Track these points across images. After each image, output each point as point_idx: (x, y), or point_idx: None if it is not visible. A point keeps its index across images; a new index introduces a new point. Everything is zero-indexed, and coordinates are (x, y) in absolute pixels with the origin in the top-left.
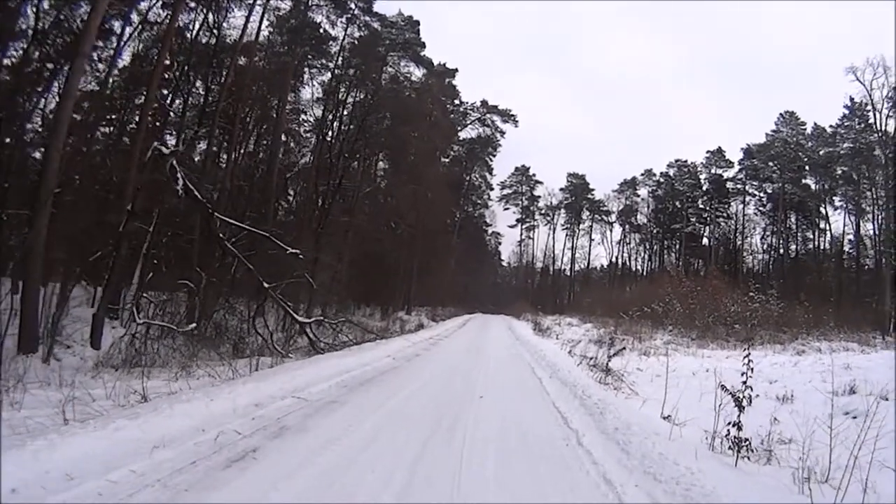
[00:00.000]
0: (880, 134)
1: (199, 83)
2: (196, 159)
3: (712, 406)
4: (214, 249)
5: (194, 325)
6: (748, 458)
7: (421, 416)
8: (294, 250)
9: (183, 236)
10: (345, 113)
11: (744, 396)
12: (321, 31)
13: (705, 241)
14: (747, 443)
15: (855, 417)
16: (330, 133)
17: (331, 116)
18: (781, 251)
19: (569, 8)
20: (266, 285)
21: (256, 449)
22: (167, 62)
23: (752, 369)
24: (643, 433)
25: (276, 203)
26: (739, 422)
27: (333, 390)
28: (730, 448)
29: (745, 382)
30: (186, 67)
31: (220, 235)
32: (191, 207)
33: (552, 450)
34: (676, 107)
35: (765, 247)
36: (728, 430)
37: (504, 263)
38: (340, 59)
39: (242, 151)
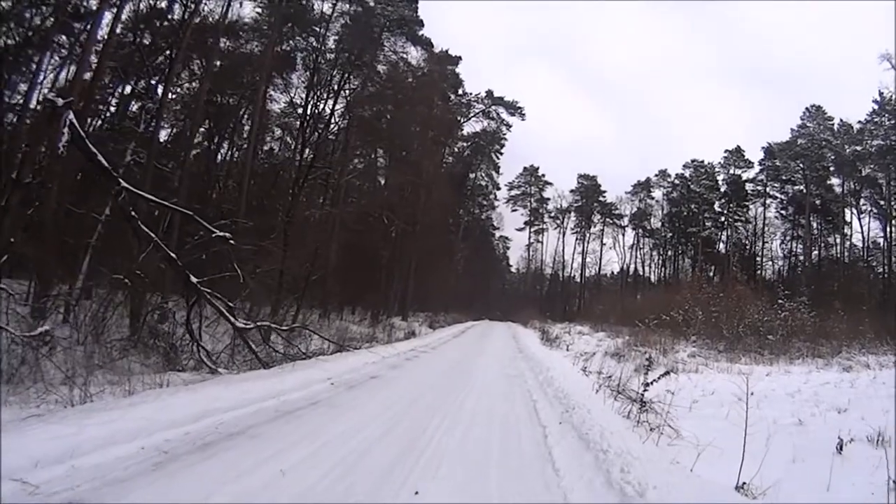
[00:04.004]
0: None
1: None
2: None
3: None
4: (129, 233)
5: (45, 328)
6: None
7: None
8: (222, 233)
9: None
10: (334, 98)
11: None
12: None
13: (721, 246)
14: None
15: None
16: (317, 122)
17: (313, 101)
18: (803, 257)
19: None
20: (194, 280)
21: None
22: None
23: None
24: None
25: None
26: None
27: (125, 467)
28: None
29: None
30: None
31: (132, 214)
32: (96, 179)
33: None
34: (693, 105)
35: (784, 252)
36: None
37: (512, 269)
38: (332, 40)
39: (233, 145)
